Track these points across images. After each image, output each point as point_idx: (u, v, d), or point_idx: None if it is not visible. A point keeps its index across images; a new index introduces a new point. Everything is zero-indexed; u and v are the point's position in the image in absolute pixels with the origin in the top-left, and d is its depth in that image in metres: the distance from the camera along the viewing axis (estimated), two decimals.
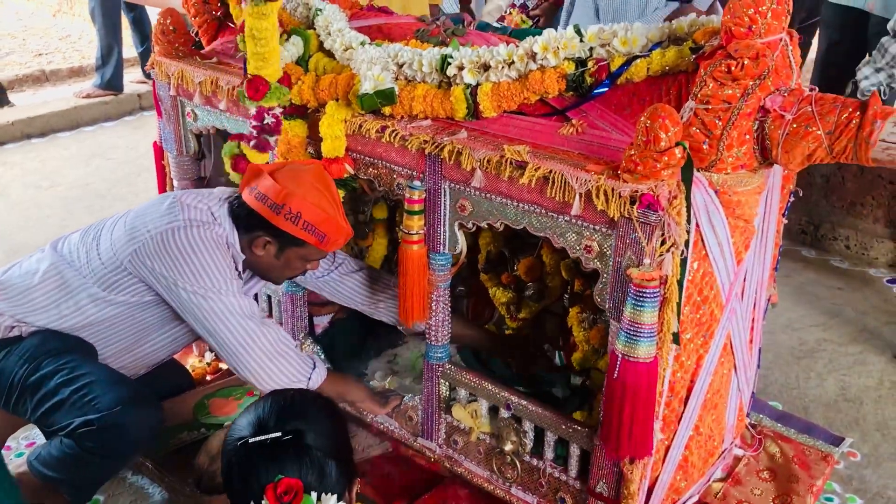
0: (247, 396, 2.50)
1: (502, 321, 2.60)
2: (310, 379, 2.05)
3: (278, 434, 1.35)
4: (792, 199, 2.03)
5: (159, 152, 2.64)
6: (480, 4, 4.64)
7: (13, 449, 2.38)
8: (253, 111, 1.97)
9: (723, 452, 2.21)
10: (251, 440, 1.36)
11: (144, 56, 5.74)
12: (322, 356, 2.43)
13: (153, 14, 5.38)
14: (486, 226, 1.88)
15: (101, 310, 2.06)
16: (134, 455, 2.09)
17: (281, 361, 2.01)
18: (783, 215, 2.04)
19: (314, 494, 1.32)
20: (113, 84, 5.61)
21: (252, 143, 2.02)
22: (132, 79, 5.94)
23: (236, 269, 2.05)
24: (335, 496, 1.34)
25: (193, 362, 2.72)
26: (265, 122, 1.95)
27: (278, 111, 2.02)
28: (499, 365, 2.47)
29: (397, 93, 1.91)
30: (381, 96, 1.89)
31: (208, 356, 2.75)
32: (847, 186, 3.63)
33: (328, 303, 2.71)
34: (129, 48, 5.96)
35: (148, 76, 5.83)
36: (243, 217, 2.02)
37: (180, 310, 2.02)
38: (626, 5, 3.39)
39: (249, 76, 1.94)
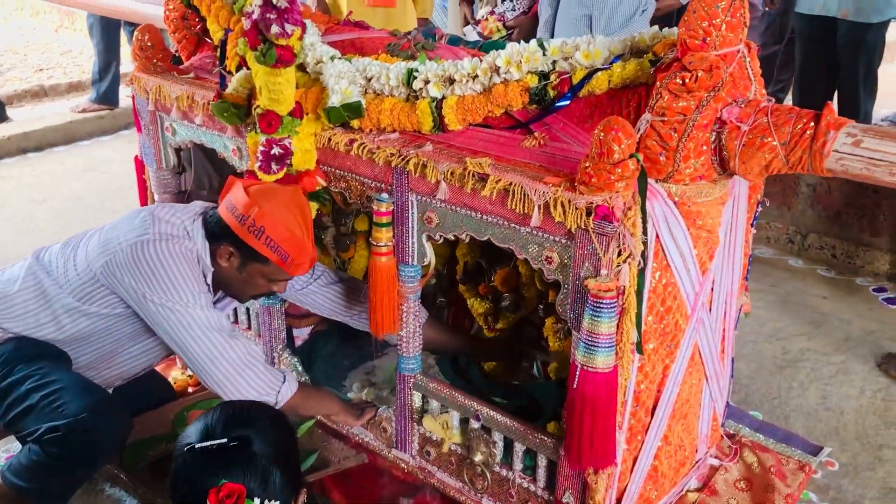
0: None
1: (481, 332, 2.61)
2: (279, 392, 2.06)
3: (224, 440, 1.37)
4: (759, 208, 2.04)
5: (140, 166, 2.67)
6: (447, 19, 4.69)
7: None
8: (263, 140, 1.97)
9: (696, 462, 2.21)
10: (197, 445, 1.38)
11: None
12: (300, 368, 2.45)
13: None
14: (452, 238, 1.90)
15: (75, 320, 2.08)
16: (100, 462, 2.10)
17: (249, 374, 2.02)
18: (751, 225, 2.05)
19: (257, 501, 1.33)
20: (109, 98, 5.67)
21: (258, 165, 2.01)
22: (129, 93, 5.99)
23: (206, 283, 2.06)
24: (278, 503, 1.35)
25: (176, 374, 2.74)
26: (273, 151, 1.94)
27: (287, 142, 2.01)
28: (477, 374, 2.48)
29: (364, 106, 1.93)
30: (349, 109, 1.92)
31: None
32: (833, 196, 3.63)
33: (308, 315, 2.74)
34: (129, 62, 6.01)
35: None
36: (213, 228, 2.05)
37: (150, 322, 2.04)
38: (617, 13, 3.42)
39: (262, 110, 1.93)
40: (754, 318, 3.17)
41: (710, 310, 1.96)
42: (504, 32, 3.93)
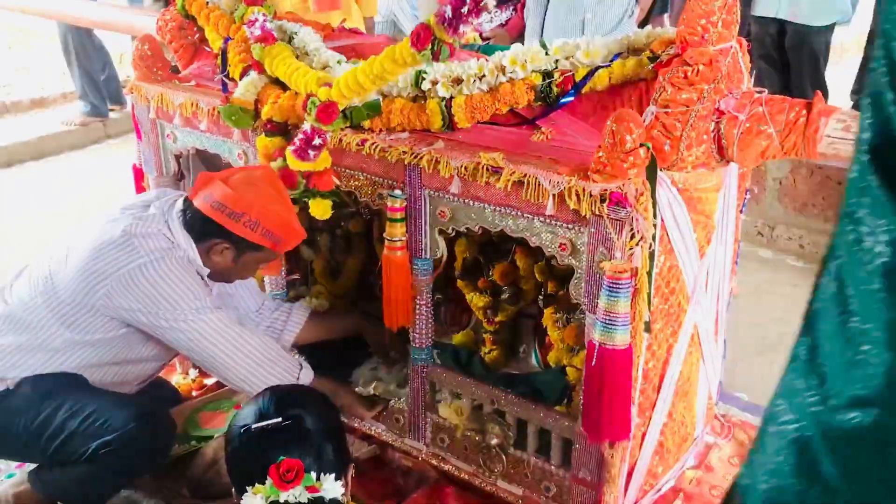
0: (234, 409, 2.56)
1: (480, 325, 2.70)
2: (298, 379, 2.13)
3: (279, 419, 1.44)
4: (748, 196, 2.17)
5: (139, 174, 2.71)
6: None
7: (4, 470, 2.40)
8: (307, 129, 2.00)
9: (695, 440, 2.32)
10: (254, 426, 1.44)
11: (108, 83, 5.79)
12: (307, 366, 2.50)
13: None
14: (464, 230, 1.99)
15: (79, 350, 2.06)
16: (153, 466, 2.14)
17: (269, 366, 2.08)
18: (740, 212, 2.18)
19: (313, 474, 1.41)
20: (101, 111, 5.66)
21: (293, 150, 2.02)
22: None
23: (204, 281, 2.11)
24: (332, 475, 1.42)
25: (178, 379, 2.77)
26: (315, 142, 1.98)
27: (328, 135, 2.05)
28: (478, 365, 2.56)
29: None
30: (370, 108, 2.00)
31: (192, 373, 2.80)
32: (799, 188, 3.81)
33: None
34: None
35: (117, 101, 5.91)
36: (198, 226, 2.05)
37: (163, 339, 2.06)
38: (606, 17, 3.54)
39: (326, 101, 1.96)
40: (731, 307, 3.31)
41: (706, 292, 2.08)
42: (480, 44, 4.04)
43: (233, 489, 1.50)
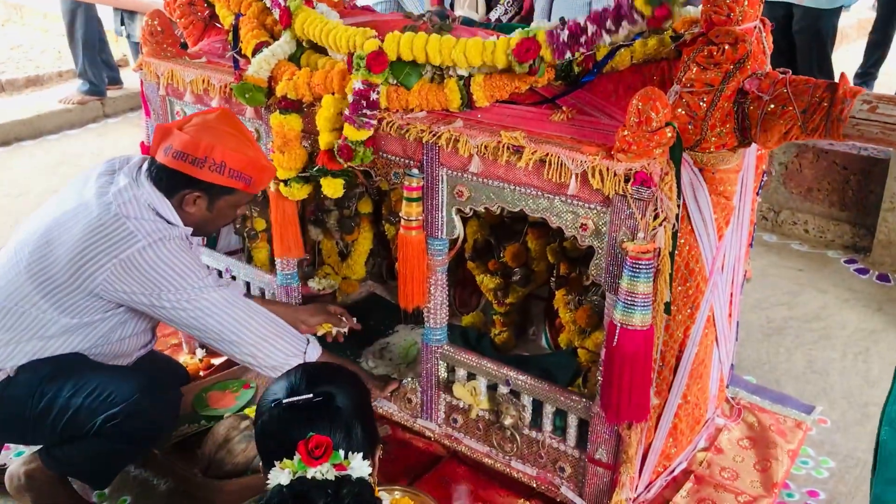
0: (243, 389, 2.55)
1: (489, 307, 2.69)
2: (305, 353, 2.11)
3: (310, 395, 1.43)
4: (765, 178, 2.17)
5: (147, 152, 2.67)
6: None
7: (12, 448, 2.39)
8: (359, 86, 1.93)
9: (706, 422, 2.33)
10: (285, 401, 1.43)
11: (106, 63, 5.74)
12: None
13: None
14: (471, 213, 1.98)
15: (76, 333, 2.03)
16: (160, 436, 2.13)
17: (276, 340, 2.07)
18: (757, 194, 2.17)
19: (342, 452, 1.40)
20: (99, 89, 5.60)
21: (355, 120, 1.96)
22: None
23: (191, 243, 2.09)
24: (360, 455, 1.42)
25: (185, 359, 2.76)
26: (371, 98, 1.92)
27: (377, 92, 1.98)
28: (488, 347, 2.56)
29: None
30: (412, 72, 1.98)
31: (199, 353, 2.79)
32: (804, 173, 3.81)
33: (319, 296, 2.79)
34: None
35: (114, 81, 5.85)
36: (166, 180, 2.01)
37: (164, 319, 2.03)
38: None
39: (374, 50, 1.91)
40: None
41: (722, 274, 2.07)
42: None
43: (260, 463, 1.49)
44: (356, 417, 1.46)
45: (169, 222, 2.01)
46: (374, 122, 1.97)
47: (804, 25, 4.40)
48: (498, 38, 1.96)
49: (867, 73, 5.25)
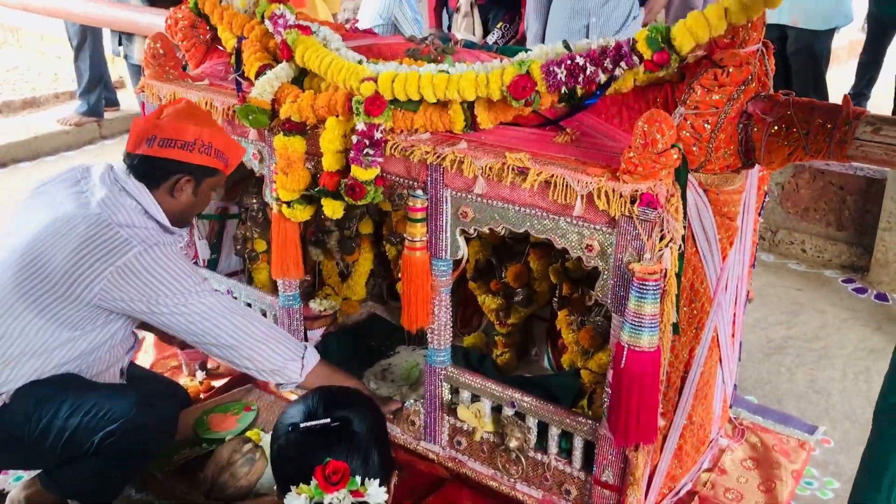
0: (245, 412, 2.54)
1: (491, 328, 2.69)
2: (303, 357, 2.12)
3: (327, 420, 1.42)
4: (766, 199, 2.18)
5: None
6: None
7: (11, 473, 2.37)
8: (362, 128, 1.96)
9: (710, 442, 2.32)
10: (302, 425, 1.42)
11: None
12: None
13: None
14: (475, 234, 1.98)
15: (74, 344, 2.02)
16: (158, 450, 2.13)
17: (273, 344, 2.08)
18: (759, 214, 2.18)
19: (359, 478, 1.39)
20: (96, 111, 5.61)
21: (361, 160, 1.98)
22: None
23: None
24: (377, 481, 1.41)
25: (186, 382, 2.74)
26: (375, 137, 1.94)
27: (382, 128, 2.01)
28: (490, 369, 2.55)
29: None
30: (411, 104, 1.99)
31: (199, 375, 2.77)
32: (801, 193, 3.83)
33: (320, 317, 2.78)
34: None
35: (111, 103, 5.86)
36: (154, 171, 2.03)
37: (163, 326, 2.02)
38: (610, 20, 3.55)
39: (371, 94, 1.94)
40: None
41: (726, 294, 2.07)
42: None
43: (275, 486, 1.48)
44: (373, 443, 1.45)
45: (160, 224, 2.05)
46: (381, 159, 1.99)
47: (799, 47, 4.45)
48: (501, 61, 1.98)
49: (860, 93, 5.30)
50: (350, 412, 1.47)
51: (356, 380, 2.33)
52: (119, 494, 2.11)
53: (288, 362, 2.09)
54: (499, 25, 4.31)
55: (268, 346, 2.07)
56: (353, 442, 1.43)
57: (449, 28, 4.55)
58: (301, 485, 1.38)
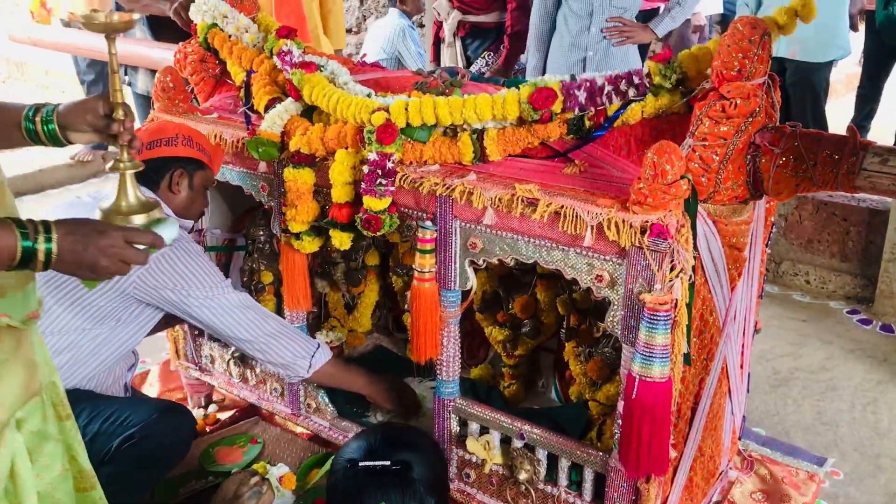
0: (251, 444, 2.52)
1: (498, 359, 2.68)
2: (313, 356, 2.24)
3: (387, 462, 1.40)
4: (774, 230, 2.19)
5: None
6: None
7: None
8: (374, 157, 1.96)
9: (720, 474, 2.31)
10: (361, 464, 1.40)
11: None
12: (326, 399, 2.47)
13: None
14: (484, 265, 1.99)
15: (104, 340, 2.13)
16: (176, 459, 2.15)
17: (285, 340, 2.22)
18: (766, 245, 2.19)
19: None
20: (102, 143, 5.64)
21: (375, 189, 1.99)
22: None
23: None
24: None
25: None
26: (387, 167, 1.95)
27: (393, 159, 2.01)
28: (499, 401, 2.55)
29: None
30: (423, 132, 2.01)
31: (201, 412, 2.76)
32: (804, 224, 3.84)
33: None
34: None
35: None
36: (149, 173, 2.08)
37: (189, 316, 2.15)
38: (608, 54, 3.60)
39: (383, 122, 1.94)
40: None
41: (734, 325, 2.08)
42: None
43: None
44: (430, 491, 1.43)
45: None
46: (393, 188, 1.99)
47: (797, 79, 4.50)
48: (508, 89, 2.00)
49: (860, 126, 5.34)
50: (412, 455, 1.45)
51: (368, 377, 2.41)
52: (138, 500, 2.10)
53: (298, 359, 2.23)
54: (483, 55, 4.39)
55: (280, 342, 2.22)
56: (411, 487, 1.40)
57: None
58: None
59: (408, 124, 1.96)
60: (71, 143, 1.55)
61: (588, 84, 1.85)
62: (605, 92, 1.85)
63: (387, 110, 1.96)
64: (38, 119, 1.51)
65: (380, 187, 1.96)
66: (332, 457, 1.54)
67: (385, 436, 1.50)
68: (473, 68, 4.37)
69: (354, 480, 1.41)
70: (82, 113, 1.51)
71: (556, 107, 1.88)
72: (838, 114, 5.64)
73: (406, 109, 1.95)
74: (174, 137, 2.19)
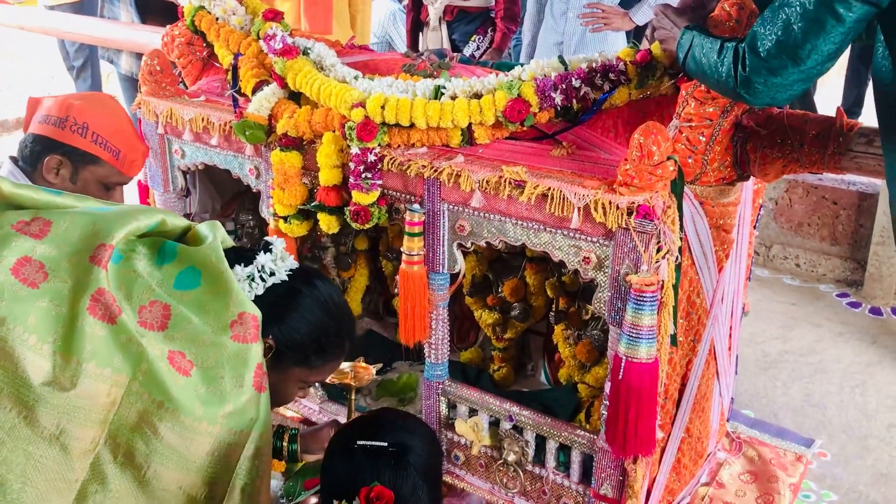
0: None
1: (487, 343, 2.69)
2: None
3: (385, 444, 1.41)
4: (762, 212, 2.19)
5: (144, 190, 2.68)
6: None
7: None
8: (355, 151, 1.97)
9: (708, 456, 2.32)
10: (359, 442, 1.41)
11: None
12: (315, 383, 2.48)
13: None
14: (472, 248, 1.99)
15: None
16: None
17: None
18: (754, 227, 2.19)
19: None
20: None
21: (361, 184, 1.98)
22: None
23: None
24: None
25: None
26: (368, 160, 1.95)
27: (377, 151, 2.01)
28: (488, 384, 2.55)
29: None
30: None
31: None
32: (794, 208, 3.85)
33: None
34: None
35: None
36: (31, 151, 1.93)
37: None
38: (585, 38, 3.61)
39: (361, 120, 1.94)
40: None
41: (722, 307, 2.08)
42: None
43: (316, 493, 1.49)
44: (425, 478, 1.43)
45: None
46: (380, 181, 2.00)
47: None
48: (497, 76, 2.00)
49: (850, 111, 5.34)
50: (410, 440, 1.45)
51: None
52: None
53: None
54: (473, 38, 4.40)
55: None
56: (405, 471, 1.40)
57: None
58: (343, 501, 1.37)
59: (384, 122, 1.95)
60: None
61: (564, 86, 1.85)
62: (582, 93, 1.85)
63: (364, 106, 1.95)
64: (285, 439, 1.84)
65: (366, 181, 1.96)
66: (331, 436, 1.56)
67: (384, 419, 1.51)
68: (466, 52, 4.38)
69: (350, 458, 1.42)
70: (321, 442, 1.81)
71: (535, 108, 1.90)
72: (834, 101, 5.64)
73: (383, 108, 1.94)
74: (63, 119, 1.91)
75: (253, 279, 1.44)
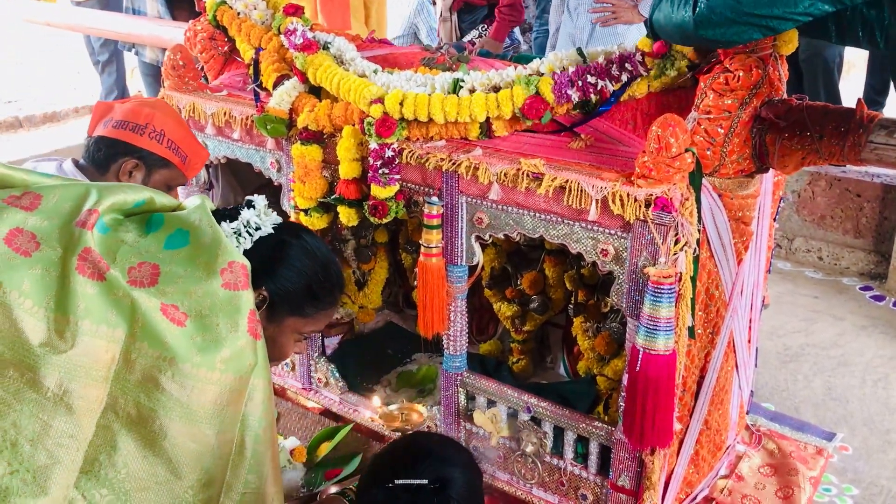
0: None
1: (506, 335, 2.70)
2: None
3: (424, 482, 1.37)
4: (782, 204, 2.18)
5: None
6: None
7: None
8: (375, 147, 2.00)
9: (727, 448, 2.32)
10: (397, 482, 1.37)
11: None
12: (337, 374, 2.50)
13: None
14: (490, 240, 2.00)
15: None
16: None
17: None
18: (774, 219, 2.18)
19: None
20: None
21: (379, 178, 2.02)
22: None
23: None
24: None
25: None
26: (386, 155, 1.97)
27: (395, 146, 2.04)
28: (507, 376, 2.56)
29: None
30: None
31: None
32: (817, 201, 3.82)
33: (337, 325, 2.81)
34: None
35: None
36: (104, 150, 2.03)
37: None
38: (595, 31, 3.59)
39: (380, 116, 1.96)
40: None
41: (741, 299, 2.08)
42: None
43: None
44: None
45: None
46: (398, 176, 2.02)
47: (810, 55, 4.44)
48: (515, 69, 2.00)
49: (874, 101, 5.26)
50: (451, 473, 1.41)
51: None
52: None
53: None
54: (479, 27, 4.45)
55: None
56: None
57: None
58: None
59: (402, 118, 1.97)
60: None
61: (580, 83, 1.86)
62: (598, 88, 1.86)
63: (382, 101, 1.96)
64: None
65: (383, 176, 1.98)
66: (360, 473, 1.53)
67: (418, 449, 1.46)
68: (465, 38, 4.45)
69: (388, 494, 1.37)
70: None
71: (546, 117, 1.92)
72: (856, 90, 5.57)
73: (401, 104, 1.95)
74: (143, 126, 2.03)
75: (240, 234, 1.47)
